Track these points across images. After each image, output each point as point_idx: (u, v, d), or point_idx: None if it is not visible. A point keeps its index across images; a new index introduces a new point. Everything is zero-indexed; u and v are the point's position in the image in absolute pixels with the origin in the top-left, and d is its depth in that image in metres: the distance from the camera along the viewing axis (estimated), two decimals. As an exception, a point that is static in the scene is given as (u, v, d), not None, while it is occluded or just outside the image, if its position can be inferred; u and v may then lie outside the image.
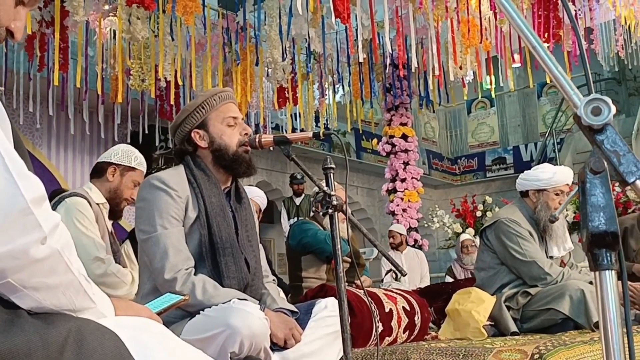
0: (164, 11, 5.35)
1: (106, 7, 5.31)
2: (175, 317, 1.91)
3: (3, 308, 0.85)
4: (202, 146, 2.20)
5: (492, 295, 3.34)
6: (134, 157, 2.93)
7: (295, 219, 4.17)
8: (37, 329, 0.84)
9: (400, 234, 7.27)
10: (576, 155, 11.99)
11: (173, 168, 2.21)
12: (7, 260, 0.81)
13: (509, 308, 3.26)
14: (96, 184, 2.88)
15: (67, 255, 0.89)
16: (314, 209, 3.93)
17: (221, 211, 2.13)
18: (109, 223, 2.93)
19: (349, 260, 3.44)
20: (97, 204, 2.83)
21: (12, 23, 0.96)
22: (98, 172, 2.90)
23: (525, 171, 3.65)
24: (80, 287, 0.93)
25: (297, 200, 8.35)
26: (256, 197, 4.09)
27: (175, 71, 5.54)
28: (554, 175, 3.43)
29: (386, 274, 6.50)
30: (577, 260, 5.74)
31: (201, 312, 1.91)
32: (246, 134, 2.20)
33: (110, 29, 5.74)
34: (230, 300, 1.91)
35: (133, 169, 2.91)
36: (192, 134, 2.20)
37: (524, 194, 3.55)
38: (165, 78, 5.52)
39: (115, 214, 2.93)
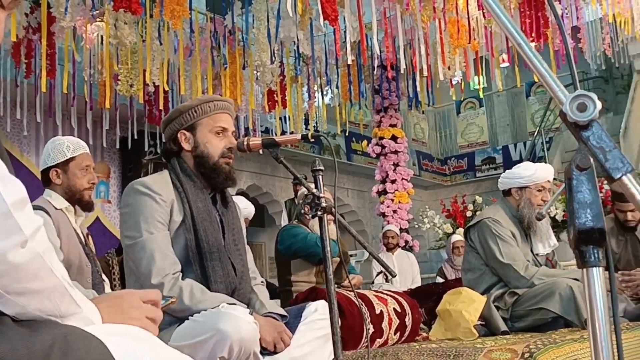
0: (151, 15, 5.33)
1: (93, 12, 5.28)
2: (164, 324, 1.88)
3: (-14, 315, 0.83)
4: (186, 149, 2.19)
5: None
6: (65, 148, 2.82)
7: (296, 220, 4.14)
8: (21, 336, 0.82)
9: (397, 234, 7.32)
10: (565, 154, 12.04)
11: (157, 173, 2.21)
12: None
13: (497, 308, 3.27)
14: (53, 189, 2.84)
15: (49, 259, 0.87)
16: (302, 211, 3.92)
17: (208, 216, 2.12)
18: (78, 226, 2.87)
19: (338, 260, 3.44)
20: (60, 209, 2.78)
21: None
22: (46, 182, 2.84)
23: (507, 170, 3.68)
24: (65, 292, 0.91)
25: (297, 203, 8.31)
26: (243, 209, 4.06)
27: (164, 76, 5.52)
28: (536, 172, 3.47)
29: (377, 275, 6.50)
30: (566, 259, 5.77)
31: (190, 317, 1.90)
32: (230, 148, 2.19)
33: (98, 35, 5.71)
34: (219, 305, 1.90)
35: (71, 159, 2.82)
36: (179, 134, 2.19)
37: (507, 193, 3.58)
38: (154, 83, 5.50)
39: (84, 207, 2.85)
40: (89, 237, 3.02)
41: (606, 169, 0.80)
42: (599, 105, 0.80)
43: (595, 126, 0.82)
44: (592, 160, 0.81)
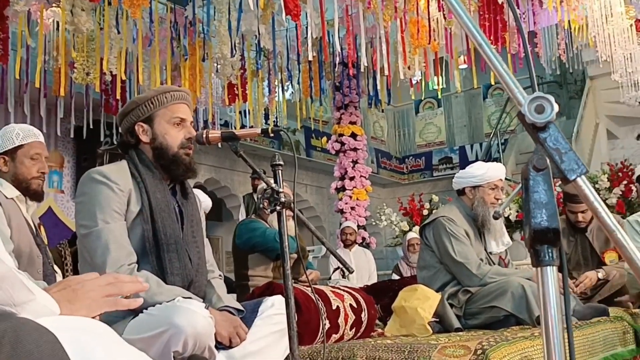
0: (109, 3, 5.22)
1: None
2: (117, 316, 1.86)
3: None
4: (144, 141, 2.16)
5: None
6: (14, 135, 2.75)
7: (254, 215, 4.11)
8: None
9: (355, 231, 7.37)
10: (519, 155, 12.31)
11: (115, 163, 2.16)
12: None
13: (451, 305, 3.32)
14: (3, 178, 2.76)
15: None
16: (261, 205, 3.90)
17: (166, 207, 2.09)
18: (29, 216, 2.80)
19: (296, 255, 3.44)
20: (11, 198, 2.70)
21: None
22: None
23: (460, 170, 3.75)
24: (15, 278, 0.89)
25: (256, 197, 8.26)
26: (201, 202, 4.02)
27: (122, 65, 5.41)
28: (488, 171, 3.55)
29: (334, 271, 6.53)
30: (518, 258, 5.89)
31: (144, 310, 1.87)
32: (190, 138, 2.16)
33: (53, 20, 5.56)
34: (174, 299, 1.88)
35: (19, 147, 2.74)
36: (136, 127, 2.16)
37: (461, 192, 3.64)
38: (111, 72, 5.39)
39: (32, 196, 2.78)
40: (41, 227, 2.94)
41: (562, 170, 0.82)
42: (556, 107, 0.82)
43: (552, 128, 0.83)
44: (548, 161, 0.83)
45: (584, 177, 0.82)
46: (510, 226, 6.70)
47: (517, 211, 6.80)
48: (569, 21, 6.45)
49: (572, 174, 0.81)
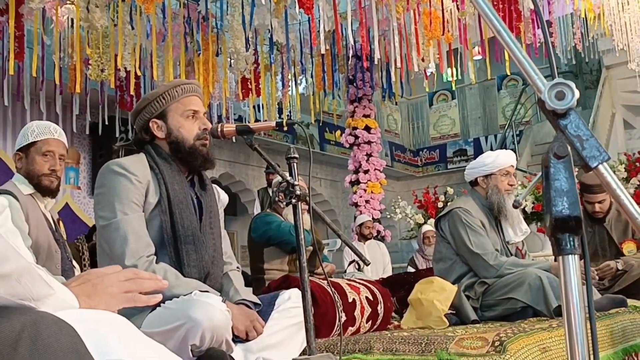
0: (123, -1, 5.24)
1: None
2: (136, 309, 1.87)
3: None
4: (160, 137, 2.16)
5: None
6: (30, 132, 2.77)
7: (269, 209, 4.12)
8: None
9: (372, 225, 7.40)
10: (535, 146, 12.22)
11: (134, 155, 2.17)
12: None
13: (468, 297, 3.30)
14: (20, 174, 2.79)
15: (13, 241, 0.85)
16: (276, 199, 3.91)
17: (184, 199, 2.10)
18: (48, 211, 2.82)
19: (311, 248, 3.44)
20: (28, 195, 2.72)
21: None
22: (16, 166, 2.81)
23: (471, 162, 3.73)
24: (35, 273, 0.89)
25: (271, 191, 8.27)
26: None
27: (136, 61, 5.43)
28: (497, 158, 3.53)
29: (349, 264, 6.52)
30: (534, 250, 5.85)
31: (162, 304, 1.88)
32: (205, 129, 2.16)
33: (68, 17, 5.59)
34: (191, 292, 1.88)
35: (32, 144, 2.75)
36: (150, 124, 2.16)
37: (474, 183, 3.62)
38: (125, 68, 5.41)
39: (43, 192, 2.78)
40: (60, 222, 2.96)
41: (583, 158, 0.81)
42: (577, 93, 0.81)
43: (573, 115, 0.82)
44: (569, 148, 0.81)
45: (605, 165, 0.81)
46: (527, 218, 6.65)
47: (533, 203, 6.75)
48: (584, 10, 6.38)
49: (593, 161, 0.80)
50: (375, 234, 7.78)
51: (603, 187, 0.81)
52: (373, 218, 8.06)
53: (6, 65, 5.25)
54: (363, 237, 7.27)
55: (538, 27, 6.48)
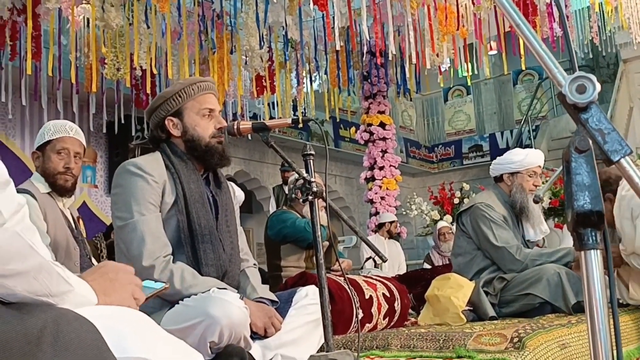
0: (138, -2, 5.26)
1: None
2: (154, 307, 1.88)
3: (-25, 299, 0.82)
4: (175, 135, 2.17)
5: (470, 280, 3.37)
6: (46, 131, 2.78)
7: (286, 206, 4.14)
8: (12, 318, 0.81)
9: None
10: (551, 142, 12.12)
11: (149, 154, 2.17)
12: None
13: (486, 293, 3.29)
14: (38, 172, 2.81)
15: (30, 238, 0.86)
16: (293, 195, 3.91)
17: (200, 197, 2.10)
18: (67, 209, 2.83)
19: (327, 243, 3.44)
20: (46, 193, 2.73)
21: None
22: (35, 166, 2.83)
23: (498, 157, 3.70)
24: (52, 270, 0.89)
25: (287, 189, 8.29)
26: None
27: (151, 60, 5.46)
28: (527, 157, 3.50)
29: (365, 260, 6.52)
30: (552, 246, 5.81)
31: (180, 302, 1.89)
32: (220, 127, 2.17)
33: (84, 17, 5.62)
34: (209, 290, 1.89)
35: (48, 142, 2.76)
36: (166, 121, 2.17)
37: (498, 179, 3.60)
38: (141, 67, 5.43)
39: (59, 191, 2.78)
40: (80, 220, 2.98)
41: (605, 152, 0.80)
42: (598, 87, 0.80)
43: (594, 108, 0.81)
44: (590, 142, 0.81)
45: (628, 158, 0.80)
46: (544, 213, 6.60)
47: (550, 198, 6.69)
48: (600, 4, 6.31)
49: (615, 155, 0.79)
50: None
51: (626, 180, 0.80)
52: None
53: (24, 65, 5.30)
54: (389, 234, 7.32)
55: (554, 21, 6.42)
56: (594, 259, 0.79)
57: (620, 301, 3.08)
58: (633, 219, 2.80)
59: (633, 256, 2.85)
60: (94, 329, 0.86)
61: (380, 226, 7.48)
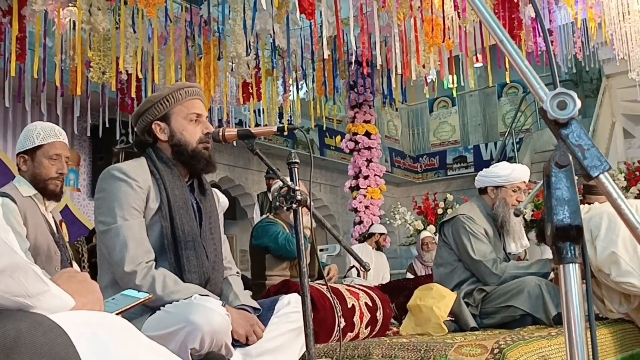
0: (125, 2, 5.24)
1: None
2: (135, 313, 1.86)
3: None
4: (162, 139, 2.16)
5: (451, 291, 3.38)
6: (35, 135, 2.72)
7: (271, 215, 4.13)
8: None
9: None
10: (534, 154, 12.23)
11: (134, 160, 2.17)
12: None
13: (467, 304, 3.31)
14: (22, 176, 2.77)
15: (5, 237, 0.84)
16: (277, 203, 3.91)
17: (184, 204, 2.10)
18: (49, 212, 2.81)
19: (309, 255, 3.45)
20: (28, 197, 2.69)
21: None
22: (18, 168, 2.78)
23: (484, 169, 3.72)
24: (28, 268, 0.87)
25: (271, 196, 8.28)
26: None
27: (137, 64, 5.44)
28: (512, 172, 3.53)
29: (349, 269, 6.52)
30: (534, 258, 5.85)
31: (162, 308, 1.88)
32: (207, 133, 2.17)
33: (70, 20, 5.60)
34: (191, 296, 1.88)
35: (38, 147, 2.71)
36: (153, 126, 2.16)
37: (483, 191, 3.62)
38: (127, 71, 5.42)
39: (48, 196, 2.76)
40: (63, 224, 2.95)
41: (584, 167, 0.81)
42: (579, 103, 0.81)
43: (575, 124, 0.83)
44: (570, 157, 0.82)
45: (606, 174, 0.81)
46: (526, 226, 6.65)
47: (533, 210, 6.75)
48: (584, 19, 6.40)
49: (594, 170, 0.80)
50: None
51: (604, 195, 0.82)
52: (372, 224, 8.07)
53: (8, 66, 5.25)
54: (377, 245, 7.35)
55: (539, 36, 6.50)
56: (573, 272, 0.80)
57: (599, 315, 3.12)
58: (592, 240, 2.85)
59: (598, 273, 2.89)
60: (68, 341, 0.84)
61: (369, 236, 7.50)
